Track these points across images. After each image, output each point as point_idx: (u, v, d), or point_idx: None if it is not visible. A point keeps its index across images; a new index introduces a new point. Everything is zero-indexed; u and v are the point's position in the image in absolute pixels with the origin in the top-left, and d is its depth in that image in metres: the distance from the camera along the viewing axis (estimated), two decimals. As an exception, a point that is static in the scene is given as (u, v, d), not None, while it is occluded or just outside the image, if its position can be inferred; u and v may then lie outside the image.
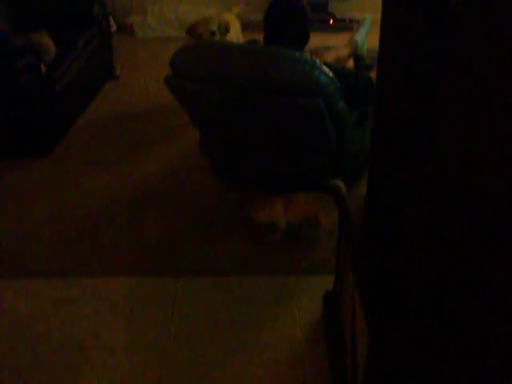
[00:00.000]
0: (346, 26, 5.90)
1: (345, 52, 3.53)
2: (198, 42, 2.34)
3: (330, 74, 2.14)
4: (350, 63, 3.47)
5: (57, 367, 1.95)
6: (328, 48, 3.64)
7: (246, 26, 5.95)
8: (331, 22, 5.95)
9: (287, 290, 2.27)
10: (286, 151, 2.44)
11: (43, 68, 3.41)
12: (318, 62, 2.13)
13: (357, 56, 3.51)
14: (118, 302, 2.23)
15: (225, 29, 3.27)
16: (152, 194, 2.96)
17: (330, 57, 3.30)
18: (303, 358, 1.96)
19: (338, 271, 1.92)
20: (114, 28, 5.72)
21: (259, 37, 2.59)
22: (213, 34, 3.15)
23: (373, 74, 2.73)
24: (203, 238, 2.59)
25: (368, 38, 3.84)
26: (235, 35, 3.62)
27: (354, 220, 1.67)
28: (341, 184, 2.35)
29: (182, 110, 2.71)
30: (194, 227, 2.68)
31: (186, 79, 2.29)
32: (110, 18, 5.33)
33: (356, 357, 1.52)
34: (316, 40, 2.50)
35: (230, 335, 2.06)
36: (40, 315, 2.18)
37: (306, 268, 2.37)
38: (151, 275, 2.37)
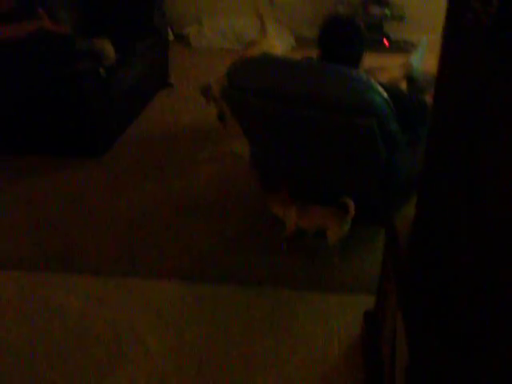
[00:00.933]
0: (401, 47, 5.87)
1: (399, 73, 3.53)
2: (256, 55, 2.38)
3: (385, 95, 2.15)
4: (404, 85, 3.47)
5: (97, 361, 2.02)
6: (382, 68, 3.65)
7: (298, 42, 6.05)
8: (386, 42, 5.93)
9: (327, 306, 2.28)
10: (335, 166, 2.46)
11: (102, 72, 3.53)
12: (373, 81, 2.14)
13: (411, 78, 3.51)
14: (161, 304, 2.29)
15: None
16: (200, 203, 3.02)
17: (384, 77, 3.30)
18: (340, 374, 1.97)
19: (380, 290, 1.92)
20: (170, 37, 5.85)
21: (311, 52, 2.60)
22: None
23: (427, 97, 2.74)
24: (248, 247, 2.63)
25: (423, 60, 3.83)
26: None
27: (400, 241, 1.68)
28: (350, 201, 2.38)
29: (233, 121, 2.77)
30: (240, 237, 2.72)
31: (242, 91, 2.34)
32: (168, 28, 5.46)
33: (394, 376, 1.52)
34: (370, 60, 2.52)
35: (267, 347, 2.09)
36: (86, 311, 2.25)
37: (347, 286, 2.38)
38: (196, 281, 2.42)
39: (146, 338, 2.12)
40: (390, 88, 2.31)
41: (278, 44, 3.72)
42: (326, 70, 2.17)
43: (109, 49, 3.78)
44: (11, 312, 2.26)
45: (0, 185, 3.22)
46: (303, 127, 2.29)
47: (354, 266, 2.51)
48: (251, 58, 2.40)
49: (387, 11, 5.84)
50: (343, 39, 2.36)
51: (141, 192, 3.14)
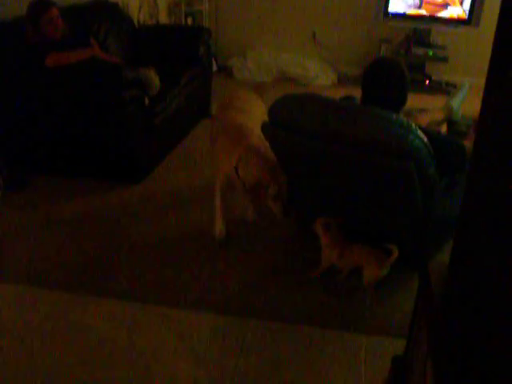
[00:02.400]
0: (442, 88, 5.87)
1: (439, 116, 3.53)
2: (298, 93, 2.42)
3: (425, 139, 2.16)
4: (443, 128, 3.47)
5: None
6: (422, 110, 3.66)
7: (340, 79, 6.11)
8: (427, 83, 5.93)
9: (355, 347, 2.26)
10: (371, 206, 2.46)
11: (146, 101, 3.63)
12: (413, 125, 2.15)
13: (451, 121, 3.51)
14: (190, 334, 2.30)
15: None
16: (238, 235, 3.05)
17: (424, 120, 3.31)
18: (365, 420, 1.94)
19: (410, 337, 1.90)
20: (214, 68, 5.97)
21: (352, 90, 2.62)
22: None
23: (466, 142, 2.73)
24: (281, 284, 2.64)
25: (463, 103, 3.83)
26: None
27: (434, 288, 1.66)
28: (394, 246, 2.38)
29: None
30: (273, 272, 2.73)
31: (283, 129, 2.38)
32: (212, 59, 5.57)
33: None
34: (410, 100, 2.53)
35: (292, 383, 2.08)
36: (115, 335, 2.28)
37: (377, 328, 2.36)
38: (226, 314, 2.43)
39: (173, 367, 2.13)
40: (430, 132, 2.32)
41: (261, 103, 3.36)
42: (366, 112, 2.20)
43: (154, 78, 3.88)
44: (39, 329, 2.31)
45: (40, 205, 3.32)
46: (342, 167, 2.31)
47: (385, 309, 2.48)
48: (293, 95, 2.43)
49: (430, 52, 5.86)
50: (386, 84, 2.38)
51: (177, 220, 3.19)
